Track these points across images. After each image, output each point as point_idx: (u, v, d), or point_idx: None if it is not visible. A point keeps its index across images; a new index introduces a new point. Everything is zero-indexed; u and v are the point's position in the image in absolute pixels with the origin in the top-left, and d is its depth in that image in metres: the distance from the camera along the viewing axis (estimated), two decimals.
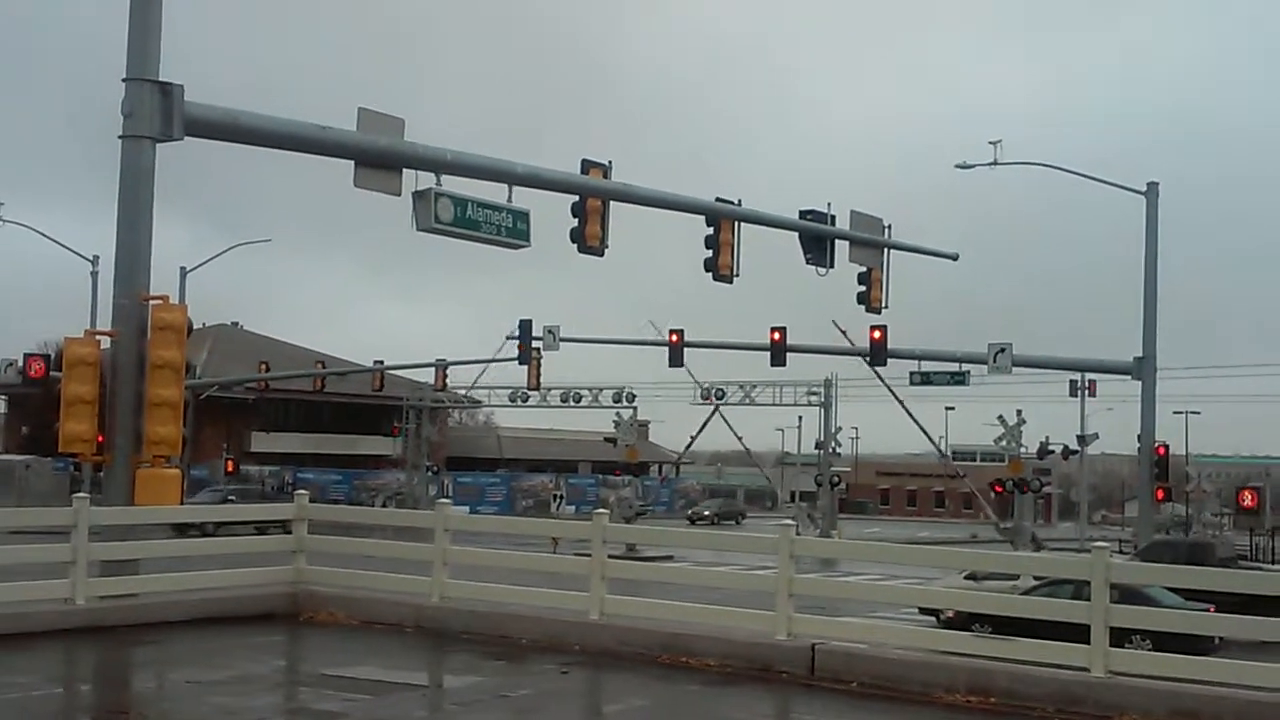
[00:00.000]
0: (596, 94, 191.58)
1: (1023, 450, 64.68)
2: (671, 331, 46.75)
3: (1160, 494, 41.25)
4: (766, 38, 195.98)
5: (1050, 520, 75.56)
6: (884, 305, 31.68)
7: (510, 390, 74.62)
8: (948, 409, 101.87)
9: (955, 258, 34.04)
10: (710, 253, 27.35)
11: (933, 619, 27.03)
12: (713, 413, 70.54)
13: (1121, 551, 41.97)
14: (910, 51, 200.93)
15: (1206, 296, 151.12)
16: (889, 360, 41.93)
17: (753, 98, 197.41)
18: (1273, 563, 49.05)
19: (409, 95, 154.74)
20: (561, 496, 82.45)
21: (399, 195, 19.92)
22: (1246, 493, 47.70)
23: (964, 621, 23.57)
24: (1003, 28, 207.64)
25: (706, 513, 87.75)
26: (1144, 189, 38.12)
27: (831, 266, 28.65)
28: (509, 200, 21.48)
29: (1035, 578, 25.06)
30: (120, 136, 16.54)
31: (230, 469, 69.12)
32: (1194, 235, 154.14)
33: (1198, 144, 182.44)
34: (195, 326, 18.73)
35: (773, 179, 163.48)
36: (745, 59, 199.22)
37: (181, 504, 19.64)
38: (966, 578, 28.61)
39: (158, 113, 16.40)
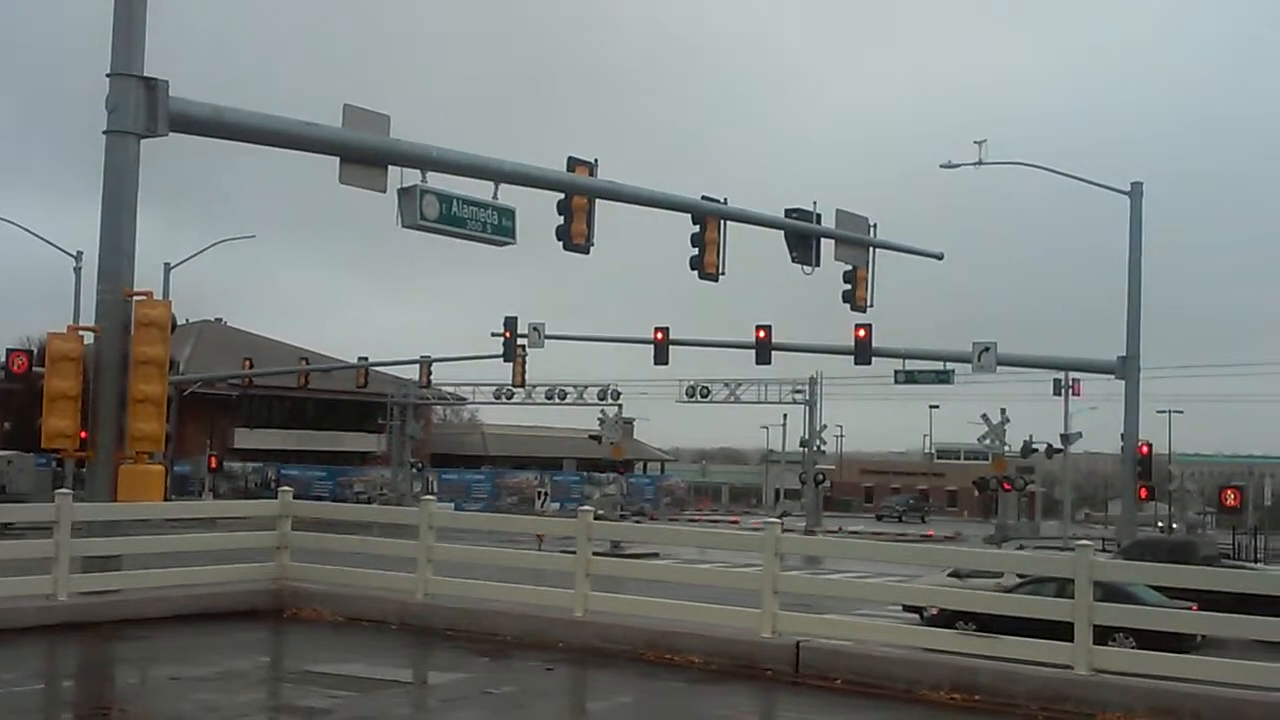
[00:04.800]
0: (582, 79, 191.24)
1: (1006, 449, 64.96)
2: (657, 329, 46.78)
3: (1144, 493, 41.40)
4: (755, 25, 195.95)
5: (1034, 518, 75.67)
6: (869, 304, 31.72)
7: (495, 387, 74.57)
8: (932, 407, 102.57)
9: (940, 257, 34.13)
10: (696, 251, 27.38)
11: (916, 616, 27.06)
12: None
13: (1105, 550, 42.10)
14: (901, 41, 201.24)
15: (1190, 294, 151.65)
16: (874, 359, 41.97)
17: (740, 85, 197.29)
18: (1255, 561, 49.29)
19: (392, 84, 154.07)
20: (546, 494, 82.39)
21: (384, 192, 19.90)
22: (1229, 491, 47.90)
23: (948, 619, 23.61)
24: (997, 13, 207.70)
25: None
26: (1128, 189, 38.25)
27: (817, 265, 28.72)
28: (495, 197, 21.47)
29: (1019, 575, 25.11)
30: (104, 132, 16.49)
31: (213, 465, 69.02)
32: (1179, 230, 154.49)
33: (1186, 138, 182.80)
34: (179, 322, 18.72)
35: (755, 175, 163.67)
36: (735, 45, 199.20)
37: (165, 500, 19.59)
38: (950, 575, 28.66)
39: (142, 108, 16.35)
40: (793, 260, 28.43)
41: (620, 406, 69.21)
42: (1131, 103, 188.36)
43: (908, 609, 27.43)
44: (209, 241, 59.89)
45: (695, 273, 27.51)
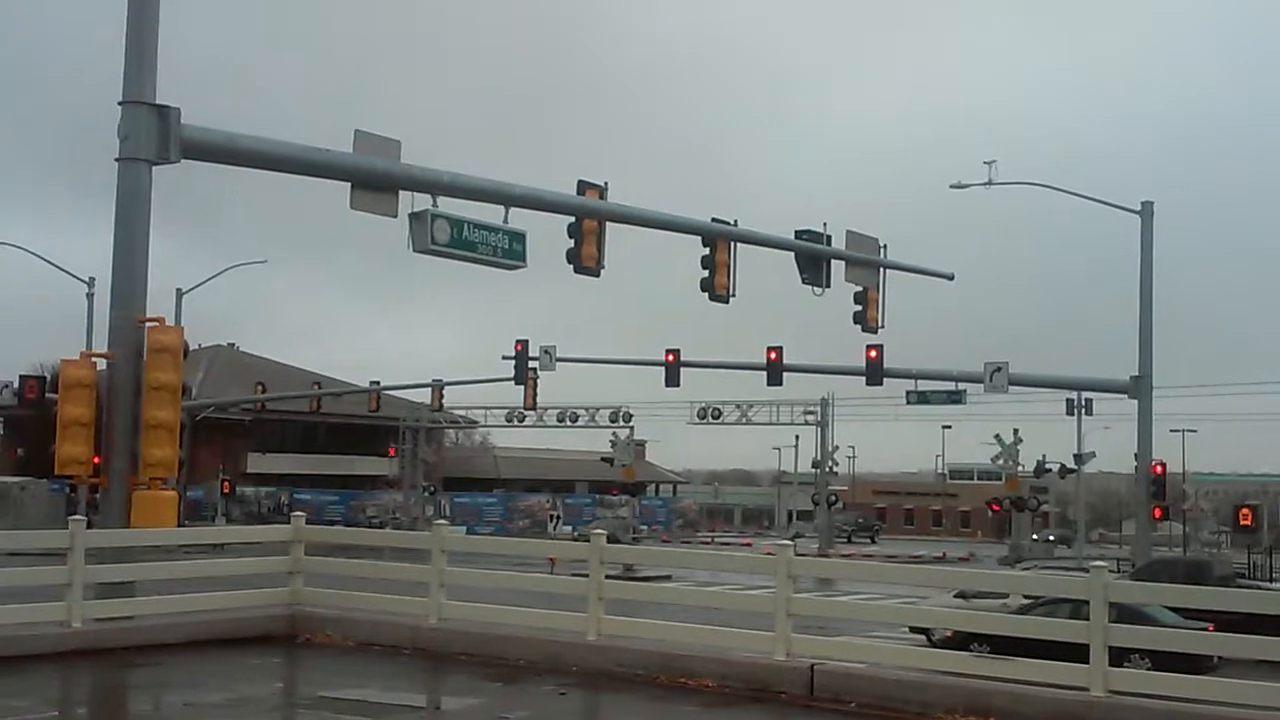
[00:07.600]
0: (591, 95, 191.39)
1: (1020, 469, 64.86)
2: (668, 351, 46.81)
3: (1158, 513, 41.20)
4: (763, 35, 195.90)
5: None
6: (880, 325, 31.70)
7: (507, 410, 74.68)
8: (945, 428, 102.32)
9: (951, 277, 34.07)
10: (706, 273, 27.40)
11: (923, 638, 26.97)
12: None
13: (1119, 570, 41.95)
14: (912, 55, 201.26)
15: (1204, 313, 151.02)
16: (885, 379, 41.94)
17: (750, 100, 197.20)
18: (1270, 581, 49.05)
19: (396, 100, 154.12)
20: (558, 517, 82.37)
21: (395, 217, 19.92)
22: (1244, 511, 47.70)
23: (962, 641, 23.53)
24: (1004, 25, 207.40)
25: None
26: (1139, 208, 38.17)
27: (828, 286, 28.70)
28: (505, 221, 21.52)
29: (1027, 597, 25.01)
30: (117, 159, 16.56)
31: (226, 490, 69.12)
32: (1193, 247, 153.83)
33: (1200, 153, 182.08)
34: (191, 348, 18.76)
35: (763, 185, 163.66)
36: (743, 57, 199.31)
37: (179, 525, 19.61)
38: (956, 596, 28.56)
39: (154, 136, 16.43)
40: (803, 281, 28.44)
41: (632, 428, 69.25)
42: (1147, 115, 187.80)
43: (914, 630, 27.36)
44: (221, 267, 60.19)
45: (706, 294, 27.53)
